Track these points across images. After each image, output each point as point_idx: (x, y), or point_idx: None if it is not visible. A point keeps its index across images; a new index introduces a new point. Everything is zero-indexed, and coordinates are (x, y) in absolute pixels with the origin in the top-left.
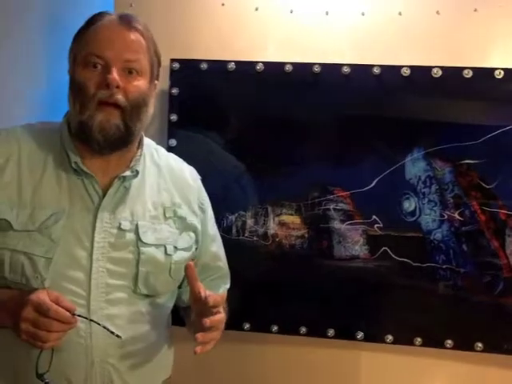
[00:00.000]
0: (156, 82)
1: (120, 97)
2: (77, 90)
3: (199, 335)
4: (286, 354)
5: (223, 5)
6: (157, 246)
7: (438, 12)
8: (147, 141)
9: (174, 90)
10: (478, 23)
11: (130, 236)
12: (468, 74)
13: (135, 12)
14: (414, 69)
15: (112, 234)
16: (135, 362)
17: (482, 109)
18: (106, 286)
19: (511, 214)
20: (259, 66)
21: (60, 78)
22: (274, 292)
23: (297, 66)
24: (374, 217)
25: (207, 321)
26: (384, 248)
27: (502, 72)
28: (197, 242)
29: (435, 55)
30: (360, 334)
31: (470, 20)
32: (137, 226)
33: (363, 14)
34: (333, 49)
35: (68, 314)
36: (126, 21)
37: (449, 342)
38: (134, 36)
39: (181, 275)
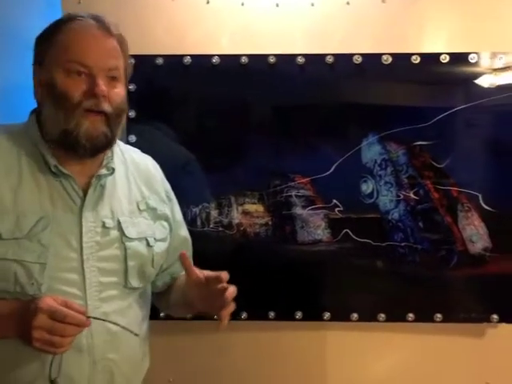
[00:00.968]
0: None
1: (106, 105)
2: (58, 98)
3: (224, 312)
4: (255, 339)
5: None
6: (139, 239)
7: (383, 1)
8: None
9: (131, 86)
10: (421, 10)
11: (114, 233)
12: (416, 59)
13: (84, 8)
14: (365, 56)
15: (97, 233)
16: (130, 353)
17: (430, 92)
18: (99, 285)
19: (462, 191)
20: (215, 59)
21: None
22: (241, 280)
23: (252, 57)
24: (335, 201)
25: (228, 296)
26: (345, 230)
27: (448, 56)
28: (170, 230)
29: (384, 43)
30: (327, 315)
31: (414, 7)
32: (119, 222)
33: (313, 5)
34: (285, 40)
35: (83, 317)
36: (104, 26)
37: (410, 316)
38: (113, 42)
39: (159, 265)
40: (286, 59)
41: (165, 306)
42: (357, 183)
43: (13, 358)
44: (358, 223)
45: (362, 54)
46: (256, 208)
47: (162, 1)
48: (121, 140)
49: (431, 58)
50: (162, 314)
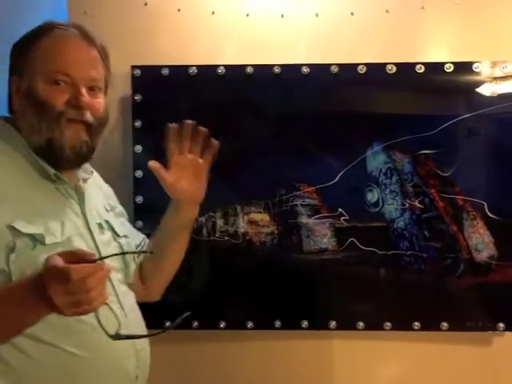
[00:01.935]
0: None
1: (89, 115)
2: (40, 107)
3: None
4: (261, 348)
5: (179, 10)
6: (123, 236)
7: (387, 11)
8: None
9: (137, 97)
10: (425, 20)
11: (108, 233)
12: (420, 69)
13: (90, 20)
14: (369, 66)
15: (99, 234)
16: (144, 347)
17: (434, 101)
18: (117, 282)
19: (467, 200)
20: (220, 70)
21: None
22: (248, 289)
23: (257, 67)
24: (340, 210)
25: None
26: (351, 239)
27: (452, 66)
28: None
29: (388, 52)
30: (332, 324)
31: (417, 17)
32: (107, 222)
33: (317, 16)
34: (290, 50)
35: (91, 265)
36: (86, 36)
37: (416, 324)
38: (94, 53)
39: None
40: (291, 69)
41: (154, 274)
42: (362, 192)
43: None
44: (364, 232)
45: (366, 64)
46: (262, 217)
47: (168, 12)
48: (126, 150)
49: (435, 68)
50: (167, 324)
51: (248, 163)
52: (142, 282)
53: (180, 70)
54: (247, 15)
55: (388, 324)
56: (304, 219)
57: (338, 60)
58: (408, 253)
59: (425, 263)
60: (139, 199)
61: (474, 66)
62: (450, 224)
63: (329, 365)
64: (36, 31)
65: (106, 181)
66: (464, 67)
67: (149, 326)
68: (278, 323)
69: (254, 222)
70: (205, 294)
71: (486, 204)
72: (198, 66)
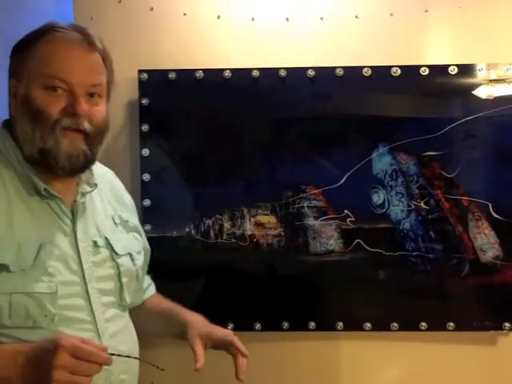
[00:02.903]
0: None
1: (86, 124)
2: (35, 115)
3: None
4: (269, 350)
5: (185, 14)
6: (125, 255)
7: (391, 14)
8: None
9: (144, 101)
10: (429, 23)
11: (105, 251)
12: (425, 71)
13: (96, 25)
14: (374, 69)
15: (91, 253)
16: (135, 373)
17: (439, 103)
18: (101, 306)
19: (472, 200)
20: (227, 73)
21: None
22: (255, 291)
23: (263, 71)
24: (346, 211)
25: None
26: (357, 240)
27: (456, 68)
28: (142, 241)
29: (393, 55)
30: (340, 325)
31: (421, 20)
32: (106, 239)
33: (322, 19)
34: (296, 53)
35: (106, 354)
36: (88, 40)
37: (423, 325)
38: (96, 57)
39: (141, 279)
40: (297, 72)
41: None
42: (368, 194)
43: None
44: (370, 233)
45: (371, 67)
46: (269, 219)
47: (174, 16)
48: (133, 154)
49: (440, 70)
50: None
51: (254, 166)
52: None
53: (186, 74)
54: (252, 19)
55: (395, 325)
56: (310, 221)
57: (343, 63)
58: (414, 254)
59: (431, 264)
60: (147, 202)
61: (478, 68)
62: (456, 225)
63: (336, 366)
64: (36, 33)
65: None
66: (468, 69)
67: None
68: (285, 325)
69: (260, 225)
70: (212, 296)
71: (490, 205)
72: (204, 70)
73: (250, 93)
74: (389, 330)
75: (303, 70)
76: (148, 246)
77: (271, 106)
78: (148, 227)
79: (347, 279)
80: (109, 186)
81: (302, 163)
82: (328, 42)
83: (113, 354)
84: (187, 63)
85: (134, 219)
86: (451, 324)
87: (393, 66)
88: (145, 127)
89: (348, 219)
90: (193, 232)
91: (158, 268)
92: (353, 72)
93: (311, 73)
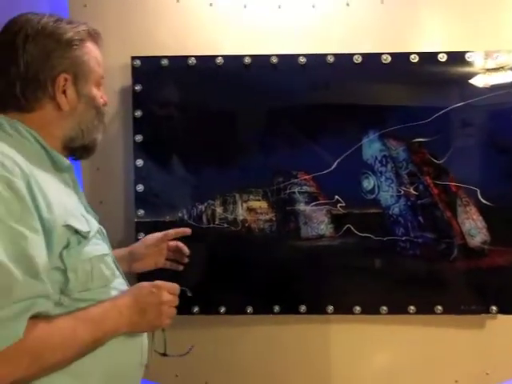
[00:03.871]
0: None
1: None
2: (96, 108)
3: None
4: (261, 333)
5: (178, 1)
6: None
7: (382, 1)
8: None
9: (137, 87)
10: (419, 11)
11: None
12: (414, 58)
13: (90, 12)
14: (364, 56)
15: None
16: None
17: (429, 90)
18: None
19: (461, 186)
20: (219, 60)
21: None
22: (247, 275)
23: (255, 58)
24: (337, 197)
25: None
26: (347, 225)
27: (445, 55)
28: None
29: (384, 42)
30: (330, 308)
31: (412, 8)
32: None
33: (314, 7)
34: (287, 40)
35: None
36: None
37: (411, 308)
38: None
39: None
40: (288, 59)
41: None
42: (358, 179)
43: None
44: (360, 218)
45: (361, 54)
46: (260, 205)
47: (167, 3)
48: (127, 140)
49: (429, 57)
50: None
51: (246, 152)
52: None
53: (179, 61)
54: (245, 6)
55: (384, 308)
56: (301, 206)
57: (334, 50)
58: (403, 238)
59: (419, 248)
60: (140, 188)
61: (467, 55)
62: (444, 210)
63: (326, 348)
64: (81, 34)
65: (108, 170)
66: (457, 57)
67: None
68: (276, 308)
69: (252, 210)
70: (205, 280)
71: (478, 190)
72: (196, 57)
73: (241, 79)
74: (378, 313)
75: (295, 57)
76: None
77: (263, 93)
78: (141, 212)
79: (337, 263)
80: None
81: (293, 149)
82: (319, 29)
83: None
84: (180, 50)
85: None
86: (439, 307)
87: (383, 53)
88: (138, 113)
89: (338, 204)
90: (185, 217)
91: None
92: (344, 59)
93: (302, 60)
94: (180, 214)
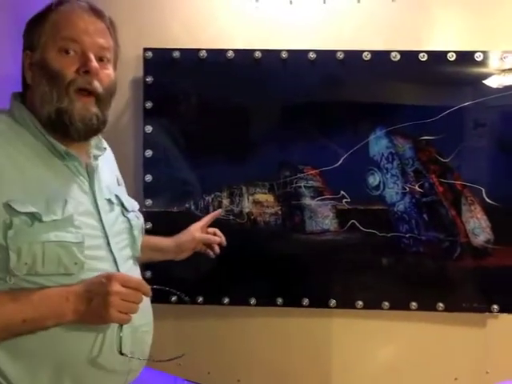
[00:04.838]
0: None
1: (98, 84)
2: (52, 76)
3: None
4: (264, 325)
5: None
6: (132, 211)
7: None
8: None
9: (149, 78)
10: (430, 9)
11: (117, 208)
12: (423, 57)
13: (103, 3)
14: (374, 53)
15: (108, 210)
16: (150, 325)
17: (437, 89)
18: (121, 258)
19: (466, 185)
20: (230, 54)
21: None
22: (251, 267)
23: (265, 52)
24: (342, 192)
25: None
26: (352, 221)
27: (454, 55)
28: None
29: (393, 40)
30: (332, 302)
31: (423, 6)
32: (117, 197)
33: (324, 3)
34: (298, 36)
35: (148, 286)
36: (95, 9)
37: (413, 304)
38: (104, 25)
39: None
40: (298, 55)
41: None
42: (364, 175)
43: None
44: (365, 214)
45: (371, 51)
46: (266, 198)
47: None
48: (137, 130)
49: (438, 56)
50: (173, 299)
51: (254, 145)
52: None
53: (190, 54)
54: (257, 1)
55: (386, 303)
56: (307, 201)
57: (344, 47)
58: (407, 235)
59: (423, 246)
60: (148, 178)
61: (476, 55)
62: (449, 208)
63: (328, 342)
64: (46, 6)
65: (117, 160)
66: (466, 56)
67: (155, 299)
68: (279, 300)
69: (258, 203)
70: (210, 271)
71: (483, 190)
72: (207, 50)
73: (252, 74)
74: (380, 308)
75: (304, 53)
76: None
77: (272, 88)
78: (149, 202)
79: (341, 258)
80: (107, 154)
81: (300, 144)
82: (330, 25)
83: (152, 287)
84: (191, 43)
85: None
86: (441, 305)
87: (392, 51)
88: (148, 104)
89: (344, 200)
90: (192, 208)
91: None
92: (353, 56)
93: (312, 55)
94: (187, 205)
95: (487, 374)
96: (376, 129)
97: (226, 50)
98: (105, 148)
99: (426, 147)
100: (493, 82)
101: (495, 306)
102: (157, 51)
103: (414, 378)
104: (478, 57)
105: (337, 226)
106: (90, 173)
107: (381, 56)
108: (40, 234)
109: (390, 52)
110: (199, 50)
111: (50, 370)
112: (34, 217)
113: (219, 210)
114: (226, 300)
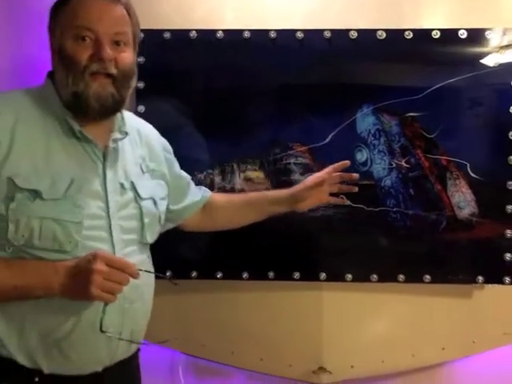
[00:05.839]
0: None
1: (113, 68)
2: (67, 63)
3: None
4: (256, 298)
5: None
6: (149, 199)
7: None
8: None
9: (141, 59)
10: None
11: (130, 193)
12: (409, 35)
13: None
14: (360, 32)
15: (118, 193)
16: (148, 304)
17: (422, 67)
18: (121, 241)
19: (451, 160)
20: (219, 34)
21: None
22: (244, 242)
23: (254, 32)
24: None
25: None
26: (341, 196)
27: (439, 32)
28: (168, 187)
29: (380, 19)
30: (323, 275)
31: None
32: (132, 183)
33: None
34: (286, 16)
35: (135, 268)
36: None
37: (401, 277)
38: (120, 10)
39: (163, 222)
40: (286, 34)
41: (220, 223)
42: (352, 152)
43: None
44: None
45: (357, 30)
46: (257, 175)
47: None
48: (130, 110)
49: (423, 34)
50: (168, 274)
51: (245, 123)
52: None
53: (181, 34)
54: None
55: (374, 276)
56: (296, 177)
57: (331, 26)
58: (394, 209)
59: (410, 219)
60: None
61: (460, 32)
62: (435, 183)
63: (318, 314)
64: None
65: None
66: (450, 34)
67: None
68: (271, 274)
69: (249, 180)
70: (203, 245)
71: (468, 165)
72: (197, 31)
73: (241, 53)
74: (369, 281)
75: (292, 32)
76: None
77: (261, 67)
78: None
79: (330, 232)
80: (144, 138)
81: (289, 122)
82: (317, 4)
83: (140, 270)
84: (182, 24)
85: (162, 167)
86: (427, 276)
87: (378, 30)
88: (141, 85)
89: None
90: None
91: None
92: (340, 35)
93: (300, 35)
94: None
95: (474, 344)
96: (363, 106)
97: (216, 31)
98: (126, 132)
99: (412, 123)
100: (476, 60)
101: (480, 278)
102: (148, 32)
103: (402, 349)
104: (462, 34)
105: None
106: (106, 156)
107: (367, 35)
108: (39, 210)
109: (376, 30)
110: (189, 30)
111: (39, 334)
112: (36, 193)
113: (346, 161)
114: (220, 274)
